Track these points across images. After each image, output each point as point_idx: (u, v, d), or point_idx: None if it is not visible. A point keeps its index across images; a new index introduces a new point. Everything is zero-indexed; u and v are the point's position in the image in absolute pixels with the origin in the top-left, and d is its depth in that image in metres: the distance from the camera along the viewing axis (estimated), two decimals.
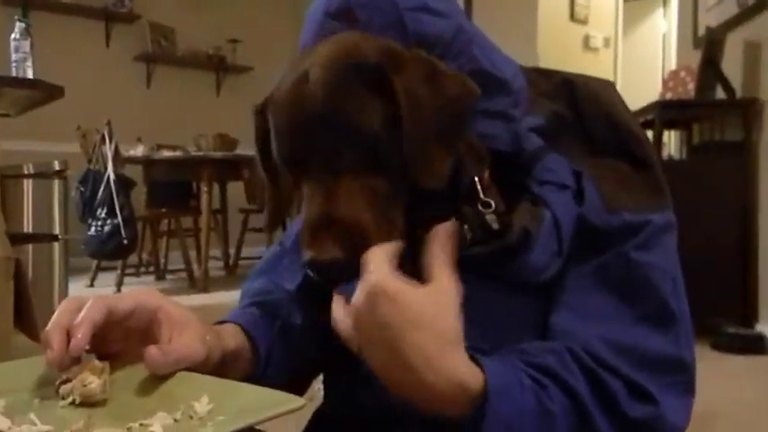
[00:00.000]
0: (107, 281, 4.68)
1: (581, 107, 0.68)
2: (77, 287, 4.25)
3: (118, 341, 0.60)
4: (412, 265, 0.57)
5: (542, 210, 0.62)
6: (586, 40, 5.63)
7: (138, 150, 4.71)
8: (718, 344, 2.88)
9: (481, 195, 0.64)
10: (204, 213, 4.59)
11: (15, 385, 0.56)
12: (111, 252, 4.15)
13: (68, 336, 0.54)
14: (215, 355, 0.60)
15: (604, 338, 0.59)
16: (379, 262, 0.53)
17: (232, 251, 5.57)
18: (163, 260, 5.23)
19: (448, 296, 0.53)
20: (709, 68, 3.17)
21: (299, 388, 0.73)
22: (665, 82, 3.65)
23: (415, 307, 0.51)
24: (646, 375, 0.59)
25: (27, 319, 2.14)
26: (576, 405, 0.56)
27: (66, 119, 4.65)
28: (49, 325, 0.56)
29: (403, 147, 0.57)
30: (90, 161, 4.27)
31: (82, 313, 0.55)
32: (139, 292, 0.60)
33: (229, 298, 4.18)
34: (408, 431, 0.59)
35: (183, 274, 4.89)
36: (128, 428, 0.48)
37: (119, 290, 4.44)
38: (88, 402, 0.53)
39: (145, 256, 5.22)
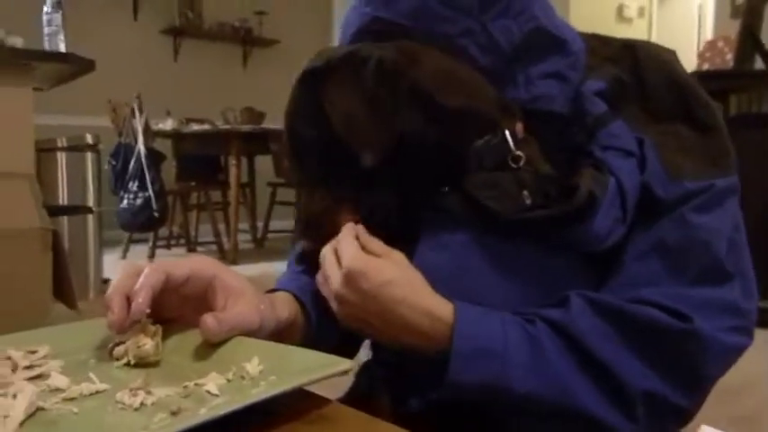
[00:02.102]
0: (139, 253, 4.77)
1: (643, 71, 0.67)
2: (111, 259, 4.33)
3: (174, 308, 0.60)
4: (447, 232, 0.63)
5: (607, 175, 0.61)
6: (620, 9, 5.52)
7: (168, 124, 4.76)
8: None
9: (512, 148, 0.63)
10: (233, 187, 4.63)
11: (72, 347, 0.58)
12: (143, 224, 4.21)
13: (128, 300, 0.56)
14: (269, 324, 0.61)
15: (659, 294, 0.59)
16: (346, 245, 0.61)
17: (260, 224, 5.63)
18: (193, 233, 5.30)
19: (402, 260, 0.62)
20: (748, 39, 3.09)
21: (348, 352, 0.73)
22: (701, 53, 3.56)
23: (384, 270, 0.60)
24: (696, 313, 0.58)
25: (65, 288, 2.19)
26: (566, 335, 0.57)
27: (96, 92, 4.70)
28: (110, 289, 0.57)
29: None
30: (120, 134, 4.32)
31: (141, 279, 0.56)
32: (196, 260, 0.61)
33: (258, 270, 4.24)
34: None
35: (213, 247, 4.96)
36: (183, 387, 0.49)
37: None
38: (142, 363, 0.55)
39: (175, 228, 5.29)
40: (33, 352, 0.55)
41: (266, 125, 4.90)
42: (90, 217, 3.14)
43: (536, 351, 0.57)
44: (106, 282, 3.18)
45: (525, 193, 0.61)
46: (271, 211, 5.48)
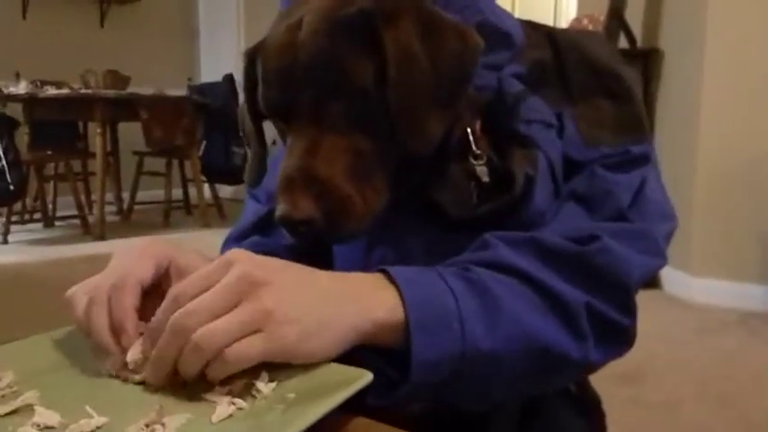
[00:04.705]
0: None
1: (562, 55, 0.68)
2: None
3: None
4: (397, 230, 0.60)
5: (536, 151, 0.62)
6: None
7: (20, 87, 4.30)
8: None
9: (474, 148, 0.62)
10: (99, 155, 4.30)
11: (37, 369, 0.50)
12: None
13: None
14: None
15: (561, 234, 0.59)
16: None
17: (125, 195, 5.29)
18: (50, 206, 4.88)
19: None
20: (614, 19, 3.28)
21: None
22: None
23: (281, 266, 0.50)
24: (604, 235, 0.58)
25: None
26: (500, 268, 0.55)
27: None
28: (97, 328, 0.52)
29: (390, 107, 0.55)
30: None
31: (118, 307, 0.52)
32: (151, 249, 0.57)
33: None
34: None
35: (75, 221, 4.60)
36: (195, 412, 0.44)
37: (5, 239, 4.13)
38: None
39: (29, 201, 4.85)
40: None
41: (132, 90, 4.59)
42: None
43: (483, 295, 0.53)
44: None
45: (473, 184, 0.61)
46: (137, 181, 5.17)
